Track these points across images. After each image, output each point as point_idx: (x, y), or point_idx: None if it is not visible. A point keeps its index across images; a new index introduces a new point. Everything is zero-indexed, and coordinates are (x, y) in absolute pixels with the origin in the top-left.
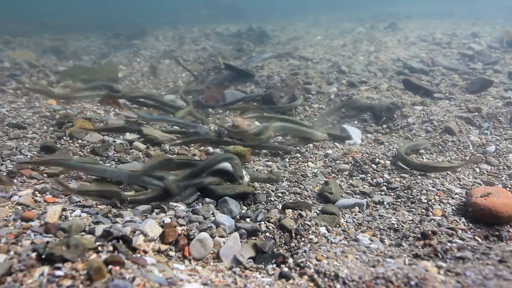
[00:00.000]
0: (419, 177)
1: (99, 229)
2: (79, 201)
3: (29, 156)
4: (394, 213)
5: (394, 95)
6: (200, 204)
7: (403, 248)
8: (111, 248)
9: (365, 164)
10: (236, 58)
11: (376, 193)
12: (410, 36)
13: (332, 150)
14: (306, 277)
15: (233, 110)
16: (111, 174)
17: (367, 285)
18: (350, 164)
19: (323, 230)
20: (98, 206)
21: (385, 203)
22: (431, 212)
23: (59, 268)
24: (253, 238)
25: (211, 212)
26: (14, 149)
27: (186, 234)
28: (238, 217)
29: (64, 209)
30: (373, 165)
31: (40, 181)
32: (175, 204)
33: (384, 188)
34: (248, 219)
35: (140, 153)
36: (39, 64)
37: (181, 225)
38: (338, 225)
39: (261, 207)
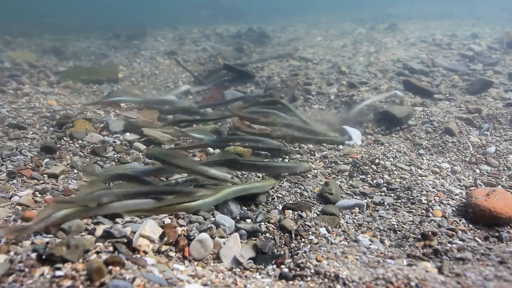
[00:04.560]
0: (419, 177)
1: (99, 230)
2: None
3: (29, 157)
4: (394, 214)
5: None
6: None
7: (403, 249)
8: (111, 249)
9: (365, 165)
10: (236, 59)
11: (376, 194)
12: (410, 37)
13: (332, 151)
14: (306, 277)
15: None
16: None
17: (367, 286)
18: (350, 165)
19: (323, 230)
20: None
21: (385, 204)
22: (431, 213)
23: (59, 269)
24: (253, 238)
25: (211, 212)
26: (15, 150)
27: (186, 235)
28: (238, 217)
29: None
30: (373, 166)
31: (41, 182)
32: None
33: (384, 189)
34: (248, 220)
35: (140, 153)
36: (39, 64)
37: (181, 226)
38: (338, 226)
39: (261, 207)
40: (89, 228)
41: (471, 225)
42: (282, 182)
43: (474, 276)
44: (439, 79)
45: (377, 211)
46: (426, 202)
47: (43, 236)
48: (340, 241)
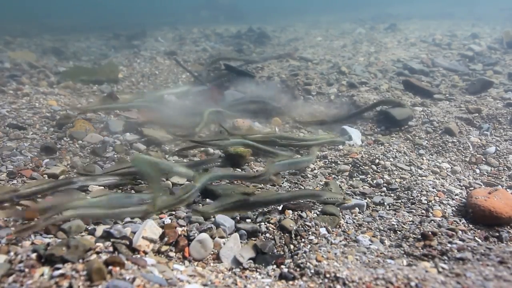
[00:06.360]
0: (419, 178)
1: (99, 230)
2: None
3: (29, 157)
4: (394, 214)
5: (394, 96)
6: (200, 205)
7: (403, 249)
8: (111, 249)
9: (365, 165)
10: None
11: (376, 194)
12: (410, 37)
13: (332, 151)
14: (306, 278)
15: None
16: None
17: (367, 286)
18: (350, 165)
19: (323, 231)
20: None
21: (385, 204)
22: (431, 213)
23: (59, 269)
24: (253, 238)
25: (207, 216)
26: (15, 150)
27: (186, 235)
28: (238, 217)
29: None
30: (373, 166)
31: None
32: None
33: (384, 189)
34: (248, 220)
35: (140, 154)
36: (39, 64)
37: (181, 226)
38: (338, 226)
39: (261, 207)
40: (89, 228)
41: (471, 225)
42: (282, 182)
43: (474, 276)
44: (439, 79)
45: (377, 211)
46: (426, 202)
47: (44, 236)
48: (340, 241)
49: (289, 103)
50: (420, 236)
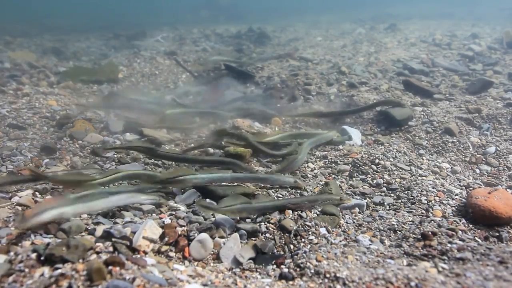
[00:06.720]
0: (419, 178)
1: (99, 230)
2: None
3: (29, 157)
4: (394, 214)
5: (394, 96)
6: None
7: (403, 249)
8: (111, 249)
9: (365, 165)
10: (236, 59)
11: (376, 194)
12: (410, 37)
13: (332, 151)
14: (306, 278)
15: None
16: None
17: (367, 286)
18: (350, 165)
19: (323, 231)
20: None
21: (385, 204)
22: (431, 213)
23: (59, 269)
24: (253, 238)
25: (211, 212)
26: (15, 150)
27: (186, 235)
28: (238, 217)
29: None
30: (373, 166)
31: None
32: (175, 205)
33: (384, 189)
34: (248, 220)
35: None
36: (39, 65)
37: (181, 226)
38: (338, 226)
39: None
40: (89, 228)
41: (471, 225)
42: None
43: (474, 276)
44: (439, 79)
45: (377, 211)
46: (426, 202)
47: (43, 236)
48: (340, 241)
49: (285, 107)
50: (420, 236)
